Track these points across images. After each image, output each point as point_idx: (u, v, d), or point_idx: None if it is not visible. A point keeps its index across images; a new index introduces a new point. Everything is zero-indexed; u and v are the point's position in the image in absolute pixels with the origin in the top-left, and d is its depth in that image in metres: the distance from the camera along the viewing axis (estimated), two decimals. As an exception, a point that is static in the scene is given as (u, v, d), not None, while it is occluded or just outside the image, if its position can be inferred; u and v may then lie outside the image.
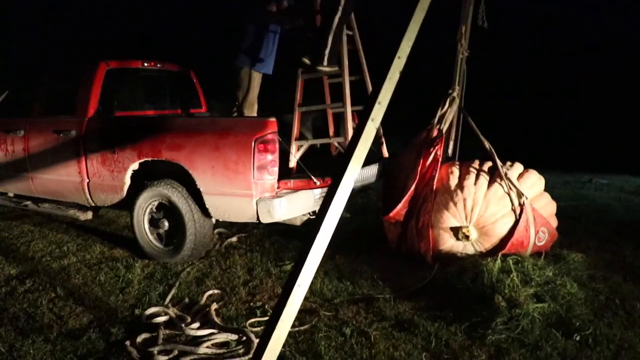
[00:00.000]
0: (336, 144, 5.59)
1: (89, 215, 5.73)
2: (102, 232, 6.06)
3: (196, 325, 3.80)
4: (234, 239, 5.72)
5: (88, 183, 5.41)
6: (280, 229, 5.61)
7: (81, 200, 5.62)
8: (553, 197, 5.16)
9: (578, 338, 3.58)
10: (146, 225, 5.16)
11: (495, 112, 12.26)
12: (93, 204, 5.58)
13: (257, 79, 5.76)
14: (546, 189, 5.13)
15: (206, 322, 3.86)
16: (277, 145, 4.53)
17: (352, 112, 5.25)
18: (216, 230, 5.87)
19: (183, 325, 3.76)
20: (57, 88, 6.04)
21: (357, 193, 5.91)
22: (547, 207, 4.94)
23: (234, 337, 3.64)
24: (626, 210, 7.13)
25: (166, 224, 5.06)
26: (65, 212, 5.75)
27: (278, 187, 4.63)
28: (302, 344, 3.56)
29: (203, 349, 3.49)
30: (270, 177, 4.54)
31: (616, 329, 3.71)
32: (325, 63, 4.87)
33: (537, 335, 3.58)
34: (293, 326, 3.76)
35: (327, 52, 4.79)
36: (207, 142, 4.67)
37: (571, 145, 11.71)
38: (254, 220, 4.63)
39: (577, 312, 3.86)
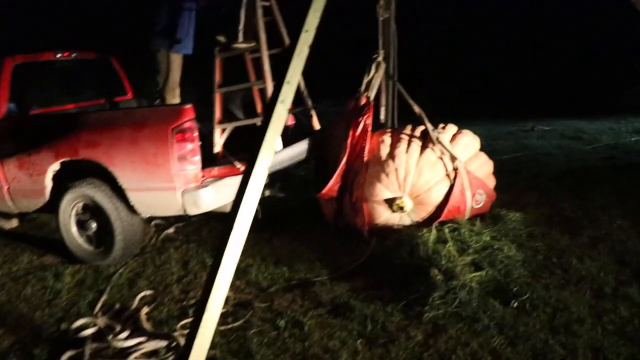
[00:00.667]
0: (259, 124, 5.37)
1: (14, 223, 5.46)
2: (33, 238, 5.75)
3: (125, 334, 3.61)
4: (171, 230, 5.51)
5: (8, 189, 5.09)
6: (219, 214, 5.41)
7: (4, 208, 5.30)
8: (496, 150, 5.08)
9: (516, 304, 3.51)
10: (74, 229, 4.90)
11: (437, 68, 12.14)
12: (18, 211, 5.29)
13: (176, 61, 5.45)
14: (490, 141, 5.05)
15: (136, 329, 3.69)
16: (196, 133, 4.31)
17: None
18: (153, 223, 5.66)
19: (110, 337, 3.58)
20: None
21: (292, 170, 5.73)
22: (483, 167, 4.85)
23: (164, 343, 3.48)
24: (566, 157, 7.13)
25: (94, 225, 4.82)
26: (-12, 221, 5.45)
27: (203, 176, 4.43)
28: (233, 342, 3.44)
29: (133, 361, 3.34)
30: (192, 166, 4.33)
31: (553, 290, 3.67)
32: (240, 39, 4.62)
33: (475, 307, 3.50)
34: (225, 324, 3.66)
35: (241, 27, 4.54)
36: (124, 136, 4.41)
37: (514, 92, 11.69)
38: (182, 213, 4.44)
39: (515, 275, 3.81)
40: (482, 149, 4.99)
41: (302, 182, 6.38)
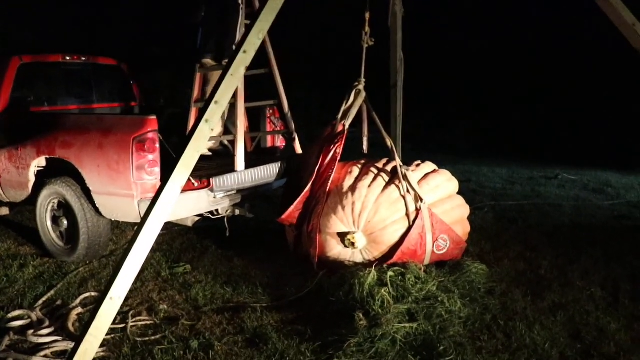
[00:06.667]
0: (225, 142, 5.39)
1: (4, 211, 5.70)
2: (23, 227, 6.02)
3: (47, 331, 3.71)
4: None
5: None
6: (199, 226, 5.44)
7: (-3, 196, 5.59)
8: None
9: (433, 366, 3.28)
10: (49, 223, 5.10)
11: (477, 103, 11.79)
12: (7, 200, 5.55)
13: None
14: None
15: (61, 328, 3.77)
16: (157, 145, 4.38)
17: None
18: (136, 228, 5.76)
19: (31, 331, 3.67)
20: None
21: (273, 192, 5.68)
22: (452, 212, 4.61)
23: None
24: (575, 212, 6.65)
25: (65, 222, 4.98)
26: (-20, 208, 5.74)
27: None
28: (138, 356, 3.42)
29: (38, 358, 3.39)
30: (150, 177, 4.39)
31: (483, 356, 3.34)
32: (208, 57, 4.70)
33: (389, 361, 3.28)
34: (144, 335, 3.66)
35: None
36: (93, 141, 4.56)
37: (551, 136, 11.13)
38: (139, 221, 4.49)
39: (450, 333, 3.51)
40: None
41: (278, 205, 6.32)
